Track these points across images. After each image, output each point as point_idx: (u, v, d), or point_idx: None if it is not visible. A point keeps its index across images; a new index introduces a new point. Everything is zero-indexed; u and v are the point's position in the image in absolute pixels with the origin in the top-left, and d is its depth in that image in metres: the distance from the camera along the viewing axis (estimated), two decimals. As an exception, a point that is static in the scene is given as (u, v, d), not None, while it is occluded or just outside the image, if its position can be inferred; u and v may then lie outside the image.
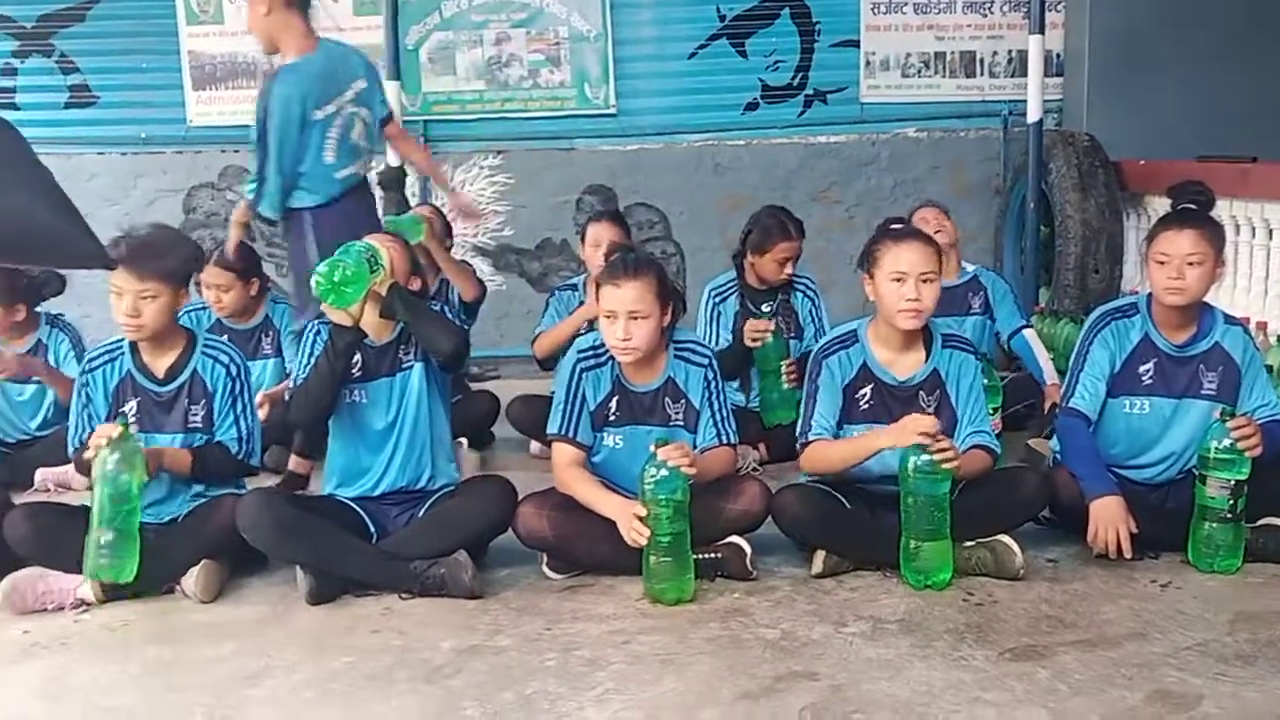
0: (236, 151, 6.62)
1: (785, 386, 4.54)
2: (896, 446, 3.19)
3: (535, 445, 4.89)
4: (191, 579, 3.28)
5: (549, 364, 4.78)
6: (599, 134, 6.76)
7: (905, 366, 3.42)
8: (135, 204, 6.58)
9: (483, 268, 6.81)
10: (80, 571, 3.20)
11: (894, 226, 3.54)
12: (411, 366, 3.47)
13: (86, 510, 3.17)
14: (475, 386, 5.43)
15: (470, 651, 2.90)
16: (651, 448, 3.16)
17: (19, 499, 3.63)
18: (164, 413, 3.45)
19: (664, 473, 3.13)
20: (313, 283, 3.26)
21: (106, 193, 6.59)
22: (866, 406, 3.41)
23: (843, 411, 3.42)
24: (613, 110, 6.72)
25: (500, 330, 6.67)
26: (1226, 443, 3.21)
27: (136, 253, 3.27)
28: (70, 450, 3.46)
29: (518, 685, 2.69)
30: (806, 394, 3.48)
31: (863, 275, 3.45)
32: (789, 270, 4.70)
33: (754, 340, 4.53)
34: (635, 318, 3.28)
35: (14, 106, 6.53)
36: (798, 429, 3.48)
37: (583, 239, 5.07)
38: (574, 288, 5.07)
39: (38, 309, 4.64)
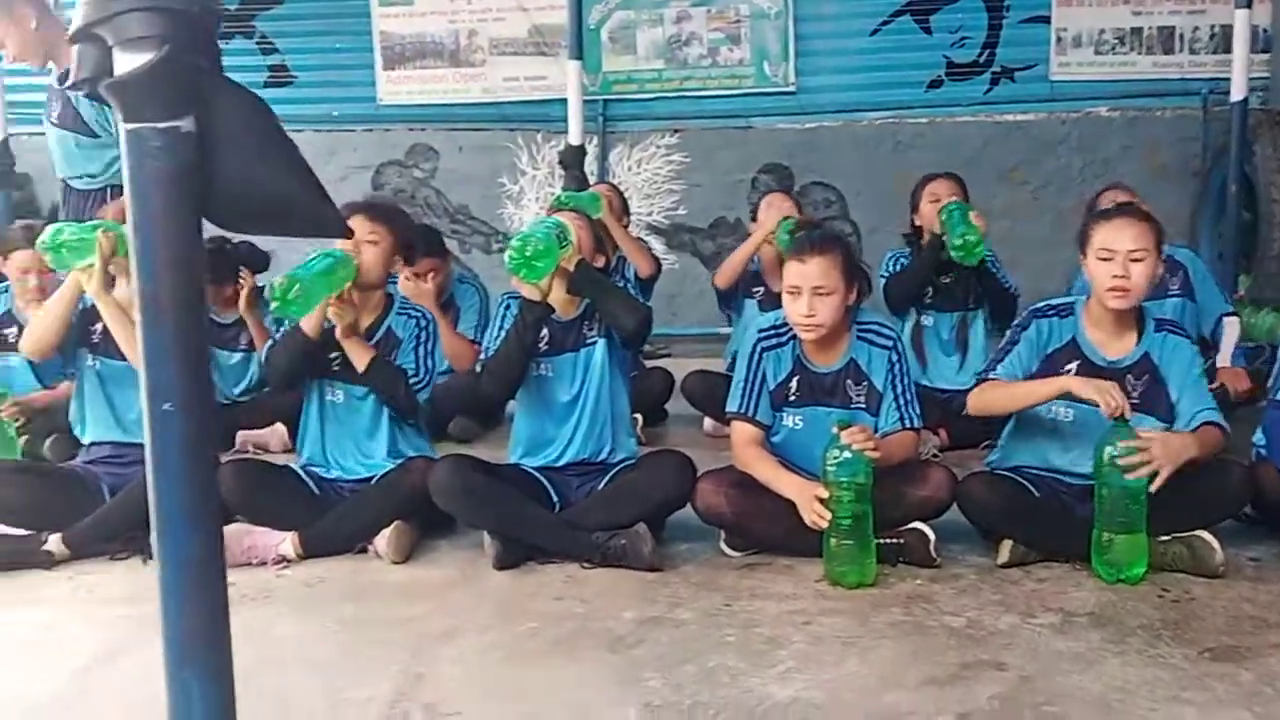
0: (424, 130, 6.83)
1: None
2: (1081, 395, 3.10)
3: (709, 422, 4.91)
4: (383, 540, 3.41)
5: (728, 298, 5.03)
6: (777, 112, 6.72)
7: (1116, 348, 3.31)
8: (327, 180, 6.48)
9: (656, 246, 6.85)
10: (279, 528, 3.37)
11: (1106, 206, 3.44)
12: (595, 342, 3.52)
13: (289, 469, 3.33)
14: (649, 364, 5.47)
15: (651, 623, 2.94)
16: (834, 429, 3.14)
17: (223, 459, 3.81)
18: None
19: (847, 455, 3.10)
20: (505, 257, 3.34)
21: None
22: None
23: (1035, 378, 3.32)
24: (792, 88, 6.66)
25: (673, 309, 6.70)
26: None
27: (368, 202, 3.51)
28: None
29: (699, 658, 2.71)
30: (1005, 341, 3.43)
31: (1080, 257, 3.35)
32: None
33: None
34: (820, 294, 3.25)
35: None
36: (981, 371, 3.46)
37: (754, 217, 5.08)
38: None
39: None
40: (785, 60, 6.61)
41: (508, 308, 3.55)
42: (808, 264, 3.25)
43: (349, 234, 1.36)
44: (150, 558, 3.34)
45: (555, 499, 3.49)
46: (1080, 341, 3.33)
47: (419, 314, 3.68)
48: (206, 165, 1.25)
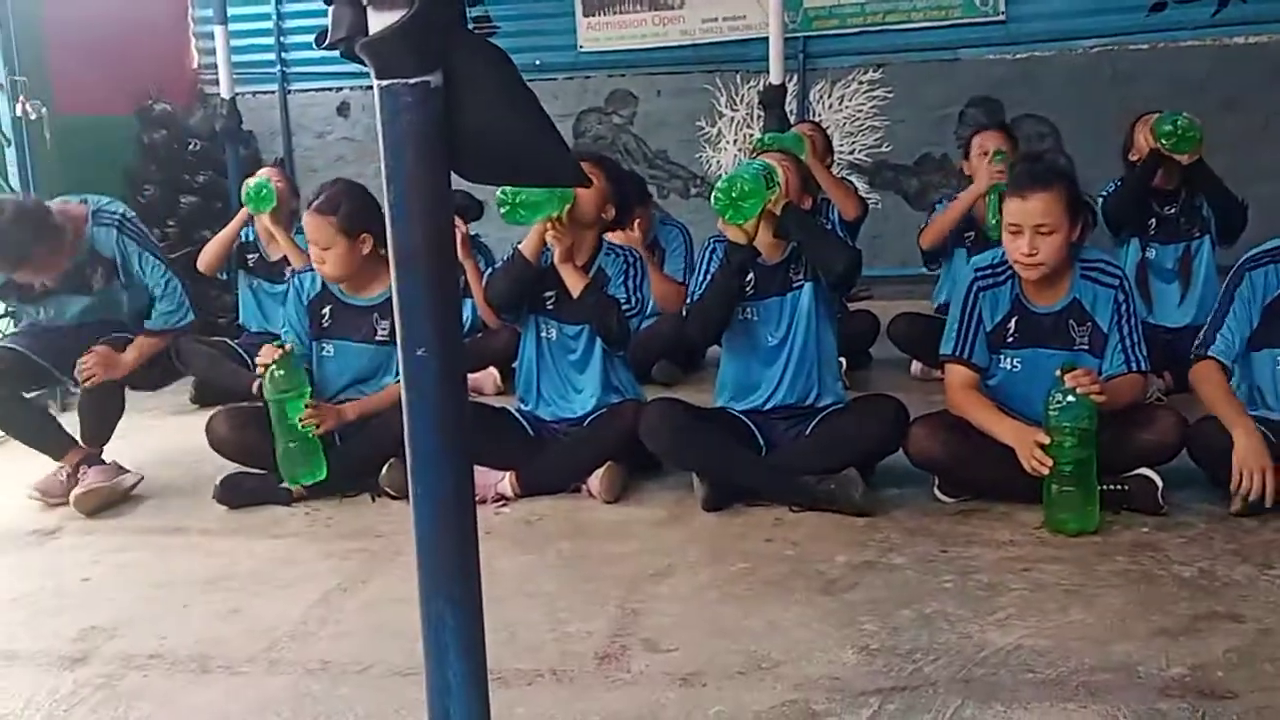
0: (623, 75, 6.85)
1: None
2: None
3: (916, 365, 4.83)
4: (596, 480, 3.49)
5: (932, 258, 4.98)
6: (986, 43, 6.45)
7: None
8: None
9: (858, 184, 6.72)
10: (497, 468, 3.50)
11: None
12: (802, 286, 3.49)
13: (506, 411, 3.45)
14: (852, 306, 5.39)
15: (864, 567, 2.92)
16: (1057, 372, 3.03)
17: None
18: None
19: (1070, 399, 3.00)
20: (712, 199, 3.34)
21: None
22: None
23: (1259, 331, 3.14)
24: (1001, 17, 6.38)
25: (874, 250, 6.54)
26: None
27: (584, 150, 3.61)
28: None
29: (915, 604, 2.68)
30: (1219, 304, 3.25)
31: None
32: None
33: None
34: (1042, 232, 3.13)
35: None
36: (1198, 338, 3.30)
37: (966, 152, 4.90)
38: (952, 197, 4.93)
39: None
40: (995, -11, 6.35)
41: (713, 251, 3.55)
42: (1029, 201, 3.12)
43: (588, 183, 1.39)
44: (377, 497, 3.56)
45: (762, 443, 3.50)
46: None
47: (626, 251, 3.74)
48: (453, 118, 1.29)
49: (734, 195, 3.28)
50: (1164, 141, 4.32)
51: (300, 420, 3.51)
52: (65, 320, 3.90)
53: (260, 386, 3.61)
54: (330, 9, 1.29)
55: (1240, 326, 3.19)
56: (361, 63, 1.28)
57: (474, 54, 1.30)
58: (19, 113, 4.77)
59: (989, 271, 3.35)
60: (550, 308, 3.69)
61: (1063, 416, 3.01)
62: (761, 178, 3.32)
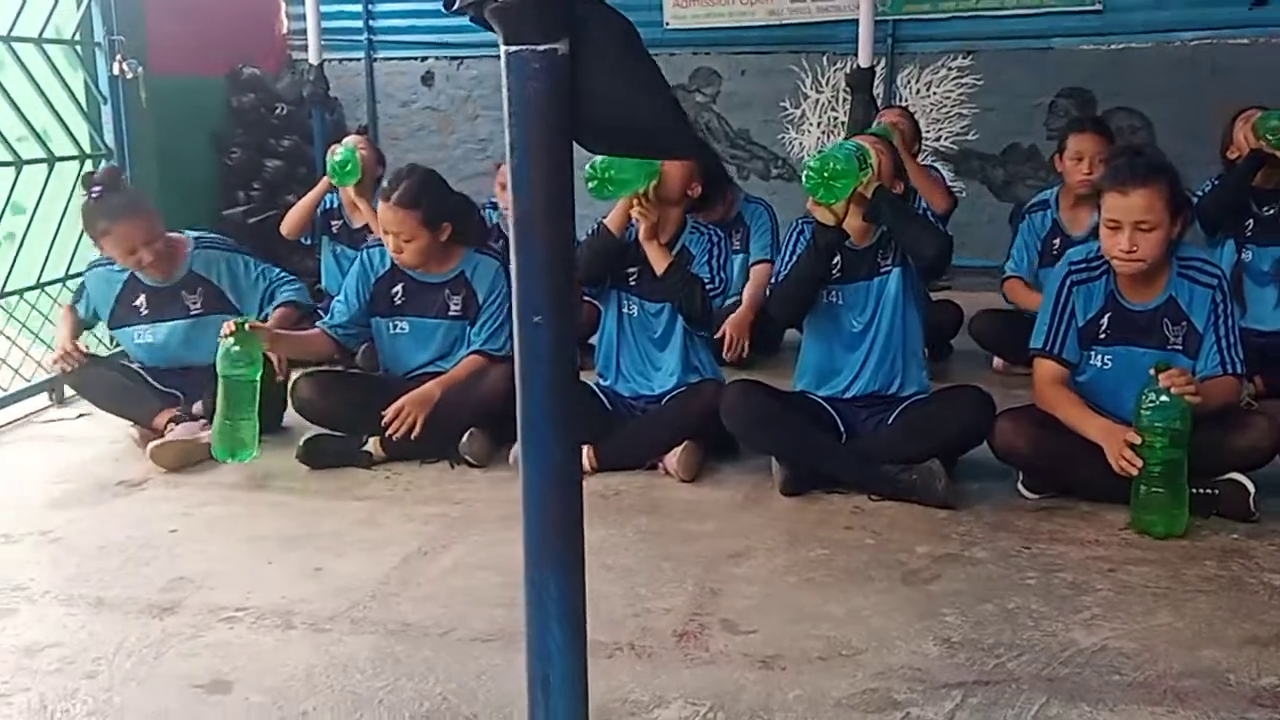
0: (707, 53, 6.81)
1: None
2: None
3: (998, 360, 4.75)
4: (674, 458, 3.49)
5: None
6: (1080, 32, 6.32)
7: None
8: None
9: (943, 173, 6.61)
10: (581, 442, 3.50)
11: None
12: (890, 271, 3.45)
13: (586, 385, 3.45)
14: (935, 296, 5.31)
15: (946, 559, 2.89)
16: (1151, 371, 2.97)
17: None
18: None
19: (1164, 399, 2.94)
20: (803, 176, 3.31)
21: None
22: None
23: None
24: (1098, 6, 6.25)
25: (960, 239, 6.41)
26: None
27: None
28: None
29: (998, 598, 2.65)
30: None
31: None
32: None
33: None
34: (1142, 229, 3.05)
35: (512, 12, 7.08)
36: None
37: (1060, 149, 4.77)
38: (1045, 206, 4.76)
39: None
40: (1093, -23, 6.21)
41: (800, 232, 3.52)
42: (1130, 197, 3.05)
43: (707, 157, 1.37)
44: (456, 464, 3.59)
45: (842, 429, 3.47)
46: None
47: (710, 230, 3.72)
48: (577, 86, 1.28)
49: (826, 174, 3.24)
50: (1267, 138, 4.20)
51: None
52: (165, 342, 3.99)
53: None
54: (461, -27, 1.29)
55: None
56: (489, 28, 1.28)
57: (601, 23, 1.30)
58: (115, 71, 4.85)
59: (1083, 266, 3.28)
60: (633, 284, 3.69)
61: (1155, 416, 2.95)
62: (855, 158, 3.28)
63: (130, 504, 3.41)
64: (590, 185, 3.42)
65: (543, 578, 1.39)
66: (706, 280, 3.59)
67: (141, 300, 3.97)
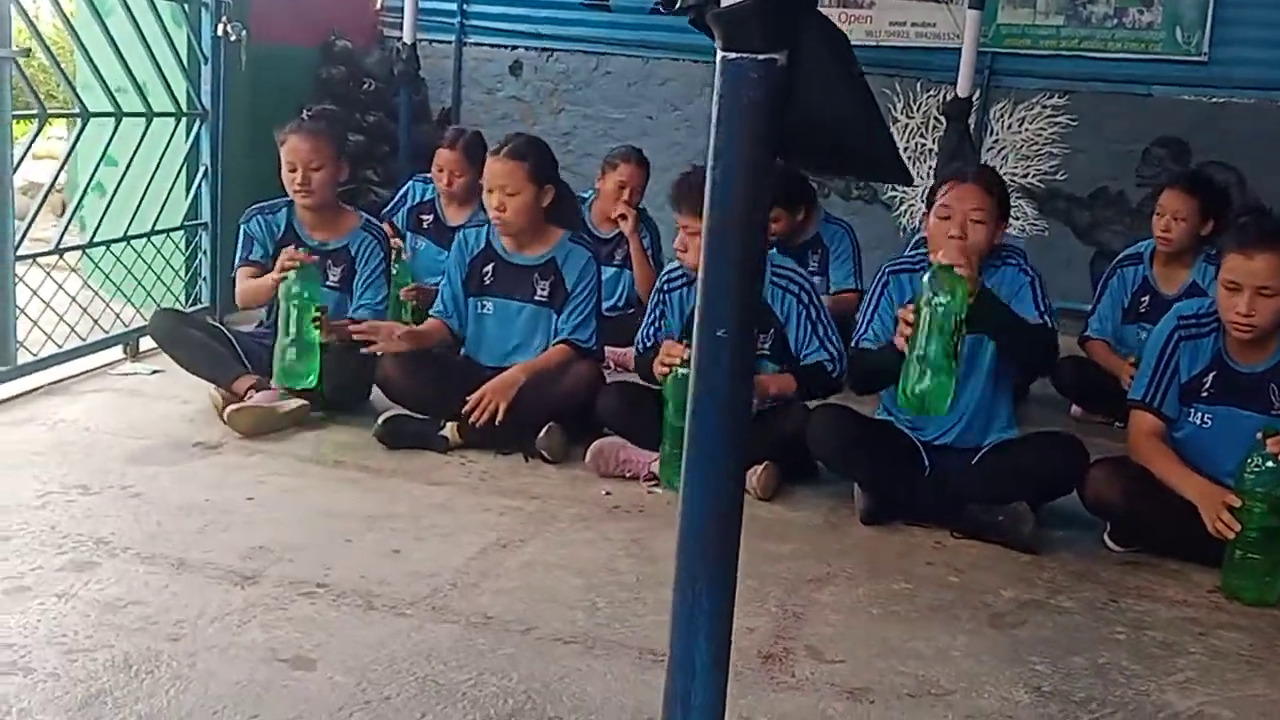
0: (800, 68, 6.75)
1: None
2: None
3: (1075, 408, 4.67)
4: (754, 475, 3.44)
5: None
6: (1182, 82, 6.20)
7: None
8: (697, 111, 6.85)
9: (1027, 210, 6.55)
10: (651, 447, 3.46)
11: None
12: (983, 340, 3.33)
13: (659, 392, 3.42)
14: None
15: (1032, 605, 2.84)
16: (1258, 435, 2.90)
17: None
18: None
19: (1270, 465, 2.87)
20: (900, 395, 3.06)
21: (673, 98, 6.96)
22: None
23: None
24: (1203, 58, 6.13)
25: (1036, 279, 6.38)
26: None
27: None
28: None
29: (1087, 651, 2.60)
30: None
31: None
32: None
33: None
34: (1264, 294, 2.98)
35: (606, 7, 7.04)
36: None
37: (1153, 198, 4.67)
38: (1138, 260, 4.64)
39: None
40: (1201, 27, 6.08)
41: (885, 285, 3.41)
42: (1255, 261, 2.98)
43: (911, 180, 1.32)
44: (530, 458, 3.57)
45: (927, 463, 3.41)
46: None
47: (798, 284, 3.60)
48: (792, 100, 1.25)
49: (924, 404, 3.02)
50: None
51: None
52: None
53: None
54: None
55: None
56: (708, 32, 1.25)
57: (821, 35, 1.26)
58: (219, 32, 4.86)
59: (1193, 321, 3.22)
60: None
61: (1258, 481, 2.89)
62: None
63: (208, 466, 3.41)
64: None
65: (696, 593, 1.35)
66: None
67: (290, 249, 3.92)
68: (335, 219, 4.08)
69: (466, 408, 3.59)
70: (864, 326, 3.42)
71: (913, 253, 3.46)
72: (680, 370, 3.20)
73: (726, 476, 1.32)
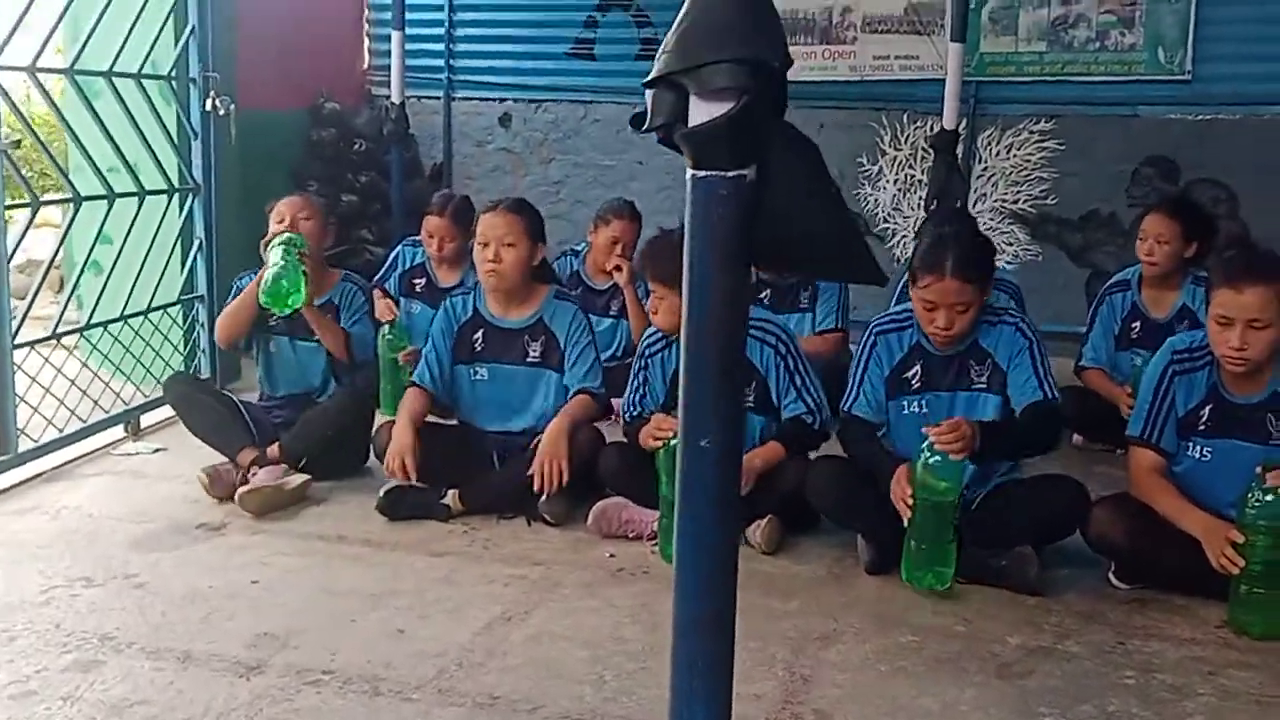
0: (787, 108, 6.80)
1: None
2: None
3: (1077, 436, 4.67)
4: (756, 530, 3.44)
5: None
6: (1167, 101, 6.24)
7: None
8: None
9: (1019, 235, 6.58)
10: (653, 507, 3.46)
11: None
12: (983, 392, 3.35)
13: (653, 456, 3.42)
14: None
15: (1040, 653, 2.83)
16: (1258, 469, 2.91)
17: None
18: None
19: (1270, 498, 2.87)
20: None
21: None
22: None
23: None
24: (1186, 77, 6.17)
25: (1033, 304, 6.34)
26: None
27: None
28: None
29: (1097, 699, 2.59)
30: None
31: None
32: None
33: None
34: (1255, 327, 2.99)
35: (591, 56, 7.11)
36: None
37: (1138, 219, 4.68)
38: (1125, 286, 4.65)
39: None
40: (1182, 46, 6.11)
41: (873, 346, 3.43)
42: (1244, 295, 2.99)
43: (884, 282, 1.32)
44: (533, 522, 3.57)
45: (930, 506, 3.41)
46: None
47: (775, 336, 3.59)
48: (762, 211, 1.26)
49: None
50: None
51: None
52: (285, 359, 4.17)
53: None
54: (650, 93, 1.27)
55: None
56: (677, 149, 1.27)
57: (788, 147, 1.28)
58: (208, 107, 4.91)
59: (1186, 355, 3.22)
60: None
61: (1260, 515, 2.89)
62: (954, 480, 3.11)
63: (211, 549, 3.41)
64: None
65: (691, 680, 1.37)
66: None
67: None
68: (319, 279, 4.11)
69: (535, 484, 3.57)
70: (855, 391, 3.43)
71: (899, 310, 3.45)
72: (671, 442, 3.21)
73: (714, 584, 1.33)
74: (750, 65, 1.20)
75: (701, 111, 1.23)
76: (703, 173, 1.24)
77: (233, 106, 4.98)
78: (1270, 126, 6.09)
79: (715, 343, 1.28)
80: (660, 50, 1.25)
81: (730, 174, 1.23)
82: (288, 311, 3.91)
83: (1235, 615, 2.97)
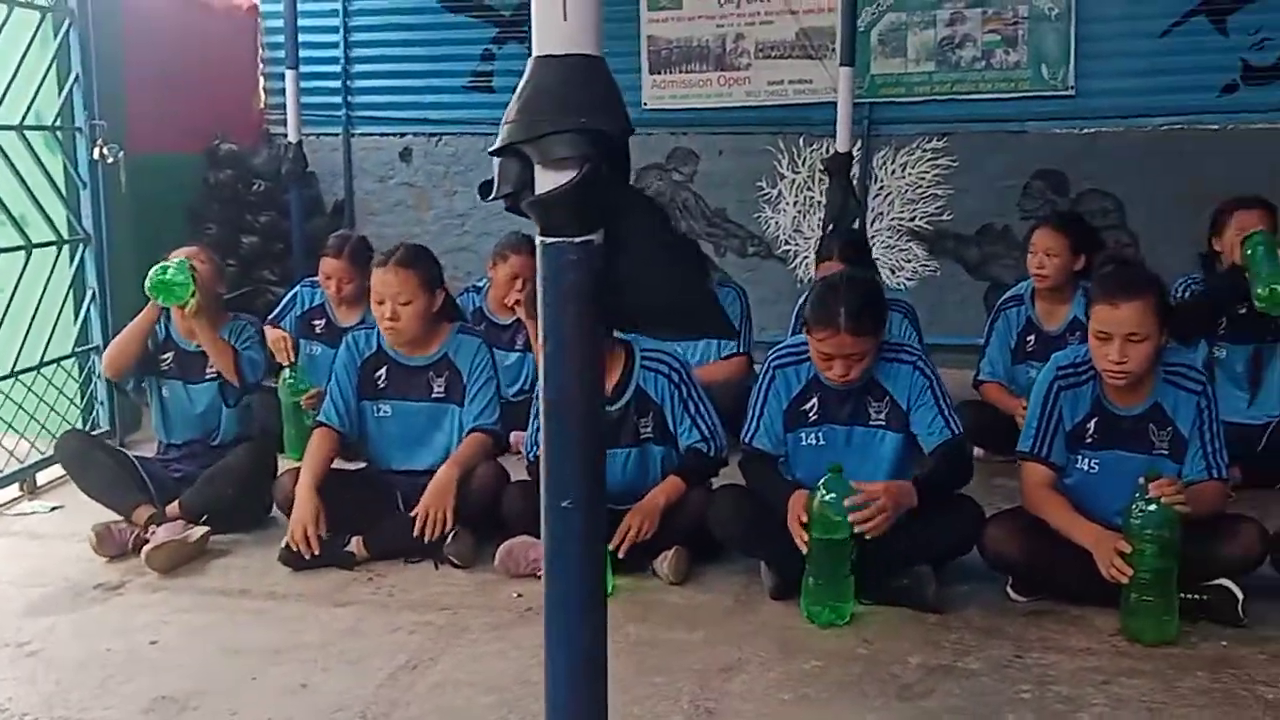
0: (685, 134, 6.87)
1: None
2: None
3: (978, 449, 4.75)
4: (665, 562, 3.46)
5: None
6: (1053, 116, 6.41)
7: None
8: None
9: (917, 252, 6.71)
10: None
11: None
12: (881, 428, 3.39)
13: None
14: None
15: (940, 672, 2.88)
16: (1141, 480, 3.00)
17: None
18: (616, 430, 3.56)
19: (1153, 507, 2.96)
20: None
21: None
22: None
23: None
24: (1070, 92, 6.35)
25: (933, 318, 6.48)
26: None
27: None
28: None
29: (995, 715, 2.64)
30: None
31: None
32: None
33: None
34: (1133, 340, 3.09)
35: (490, 89, 7.11)
36: None
37: (1027, 238, 4.83)
38: (1019, 301, 4.78)
39: None
40: (1065, 63, 6.29)
41: (772, 380, 3.45)
42: (1120, 310, 3.09)
43: (735, 337, 1.33)
44: (440, 564, 3.55)
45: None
46: None
47: (668, 366, 3.62)
48: (612, 274, 1.28)
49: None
50: (1258, 304, 4.05)
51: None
52: (183, 400, 4.12)
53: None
54: (496, 162, 1.29)
55: None
56: (526, 216, 1.28)
57: (634, 210, 1.30)
58: (96, 156, 4.82)
59: (1070, 370, 3.31)
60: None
61: (1145, 525, 2.97)
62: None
63: (108, 610, 3.34)
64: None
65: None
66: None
67: (171, 355, 4.12)
68: (215, 323, 4.08)
69: (415, 531, 3.55)
70: (754, 424, 3.46)
71: (796, 342, 3.48)
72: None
73: (585, 644, 1.34)
74: (591, 134, 1.21)
75: (547, 180, 1.24)
76: (551, 240, 1.26)
77: (121, 154, 4.90)
78: (1152, 137, 6.29)
79: (574, 406, 1.29)
80: (503, 119, 1.26)
81: (578, 240, 1.25)
82: (176, 303, 3.90)
83: (1128, 624, 3.05)
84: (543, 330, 1.28)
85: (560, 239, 1.25)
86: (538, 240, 1.27)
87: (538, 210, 1.25)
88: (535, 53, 1.27)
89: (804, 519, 3.14)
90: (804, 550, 3.16)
